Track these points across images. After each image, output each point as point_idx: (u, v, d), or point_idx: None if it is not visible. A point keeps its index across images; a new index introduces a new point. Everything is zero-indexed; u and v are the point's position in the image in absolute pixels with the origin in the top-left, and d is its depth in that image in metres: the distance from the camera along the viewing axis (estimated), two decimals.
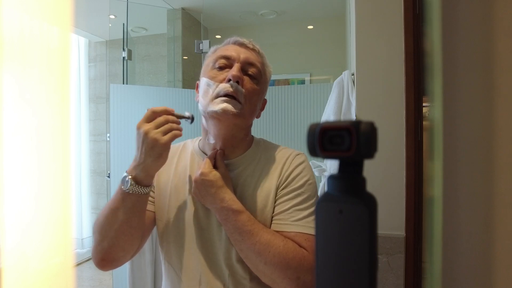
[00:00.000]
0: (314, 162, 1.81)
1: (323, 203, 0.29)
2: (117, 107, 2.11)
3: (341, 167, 0.30)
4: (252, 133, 0.87)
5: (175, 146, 0.88)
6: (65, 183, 0.47)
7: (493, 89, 0.39)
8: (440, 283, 0.42)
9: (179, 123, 0.71)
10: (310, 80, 3.60)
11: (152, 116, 0.70)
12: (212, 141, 0.80)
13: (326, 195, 0.29)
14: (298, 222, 0.73)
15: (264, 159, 0.82)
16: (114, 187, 1.41)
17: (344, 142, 0.28)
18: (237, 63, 0.77)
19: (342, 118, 1.66)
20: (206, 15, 3.49)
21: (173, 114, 0.71)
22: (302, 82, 3.60)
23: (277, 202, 0.76)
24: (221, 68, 0.78)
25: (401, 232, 1.33)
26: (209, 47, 1.75)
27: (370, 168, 1.27)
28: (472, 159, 0.41)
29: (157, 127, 0.68)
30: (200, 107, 0.79)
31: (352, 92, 1.61)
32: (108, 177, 2.16)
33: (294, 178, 0.78)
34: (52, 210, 0.46)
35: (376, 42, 1.38)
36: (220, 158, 0.78)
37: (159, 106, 0.71)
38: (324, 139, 0.29)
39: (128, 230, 0.72)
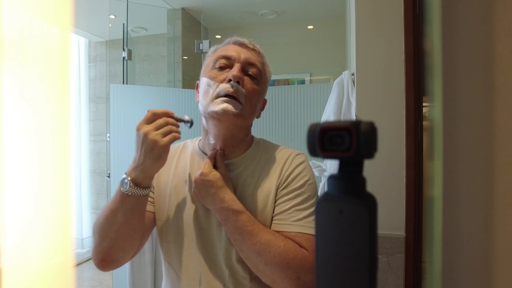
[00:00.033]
0: (314, 162, 1.81)
1: (323, 203, 0.29)
2: (117, 107, 2.11)
3: (341, 167, 0.30)
4: (252, 133, 0.87)
5: (175, 146, 0.88)
6: (65, 183, 0.47)
7: (493, 89, 0.39)
8: (440, 283, 0.42)
9: (178, 126, 0.72)
10: (310, 80, 3.60)
11: (152, 117, 0.70)
12: (212, 141, 0.80)
13: (326, 195, 0.29)
14: (298, 222, 0.73)
15: (264, 159, 0.82)
16: (114, 187, 1.41)
17: (344, 142, 0.28)
18: (238, 63, 0.77)
19: (342, 118, 1.66)
20: (206, 15, 3.49)
21: (172, 117, 0.71)
22: (302, 82, 3.60)
23: (277, 202, 0.76)
24: (222, 68, 0.78)
25: (401, 232, 1.33)
26: (209, 47, 1.75)
27: (370, 168, 1.27)
28: (472, 159, 0.41)
29: (157, 128, 0.68)
30: (200, 107, 0.79)
31: (352, 92, 1.61)
32: (108, 177, 2.16)
33: (294, 178, 0.78)
34: (52, 210, 0.46)
35: (376, 42, 1.38)
36: (220, 158, 0.77)
37: (159, 108, 0.71)
38: (324, 139, 0.29)
39: (127, 231, 0.72)
